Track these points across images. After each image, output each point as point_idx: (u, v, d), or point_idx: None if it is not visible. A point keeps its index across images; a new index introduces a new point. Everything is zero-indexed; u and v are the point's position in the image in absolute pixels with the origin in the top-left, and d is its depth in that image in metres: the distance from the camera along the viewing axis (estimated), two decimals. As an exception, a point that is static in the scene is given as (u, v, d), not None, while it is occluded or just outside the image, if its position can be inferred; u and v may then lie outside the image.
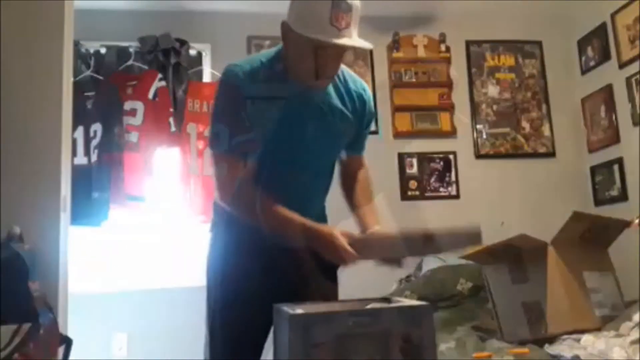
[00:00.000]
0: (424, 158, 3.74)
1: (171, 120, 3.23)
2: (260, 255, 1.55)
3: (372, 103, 1.64)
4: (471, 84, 3.87)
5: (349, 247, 1.34)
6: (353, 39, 1.40)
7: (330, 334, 1.15)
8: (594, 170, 3.73)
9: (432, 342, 1.22)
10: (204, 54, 3.61)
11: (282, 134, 1.47)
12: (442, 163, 3.76)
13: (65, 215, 2.12)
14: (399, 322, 1.19)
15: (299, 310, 1.20)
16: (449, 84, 3.82)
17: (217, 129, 1.47)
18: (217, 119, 1.49)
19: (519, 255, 2.21)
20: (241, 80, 1.43)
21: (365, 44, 1.43)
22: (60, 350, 1.75)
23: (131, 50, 3.35)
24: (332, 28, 1.34)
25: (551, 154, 3.85)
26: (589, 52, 3.77)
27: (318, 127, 1.51)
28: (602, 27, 3.61)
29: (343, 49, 1.42)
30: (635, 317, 1.95)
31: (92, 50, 3.36)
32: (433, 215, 3.65)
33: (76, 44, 3.10)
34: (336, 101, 1.54)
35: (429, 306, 1.26)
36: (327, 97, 1.53)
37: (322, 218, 1.67)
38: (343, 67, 1.56)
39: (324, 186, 1.64)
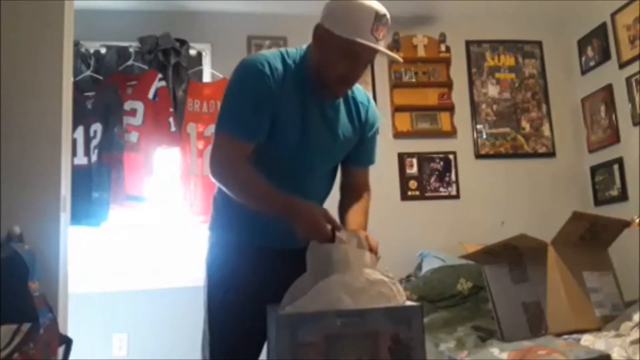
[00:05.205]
0: (424, 158, 3.74)
1: (171, 120, 3.22)
2: (260, 254, 1.56)
3: (375, 114, 1.67)
4: (471, 84, 3.87)
5: (324, 223, 1.36)
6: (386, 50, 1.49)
7: (318, 334, 1.15)
8: (594, 170, 3.73)
9: (421, 343, 1.21)
10: (204, 54, 3.61)
11: (291, 138, 1.49)
12: (442, 163, 3.76)
13: (65, 215, 2.12)
14: (388, 322, 1.19)
15: (287, 309, 1.19)
16: (449, 84, 3.82)
17: (232, 109, 1.46)
18: (234, 99, 1.47)
19: (519, 255, 2.21)
20: (267, 75, 1.43)
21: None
22: (60, 350, 1.75)
23: (131, 50, 3.35)
24: (372, 37, 1.39)
25: (551, 154, 3.85)
26: (589, 52, 3.77)
27: (325, 135, 1.54)
28: (602, 27, 3.61)
29: (373, 57, 1.47)
30: (635, 317, 1.95)
31: (92, 50, 3.37)
32: (433, 215, 3.66)
33: (76, 44, 3.11)
34: (343, 110, 1.58)
35: (418, 307, 1.26)
36: (337, 106, 1.57)
37: None
38: None
39: (324, 191, 1.65)
